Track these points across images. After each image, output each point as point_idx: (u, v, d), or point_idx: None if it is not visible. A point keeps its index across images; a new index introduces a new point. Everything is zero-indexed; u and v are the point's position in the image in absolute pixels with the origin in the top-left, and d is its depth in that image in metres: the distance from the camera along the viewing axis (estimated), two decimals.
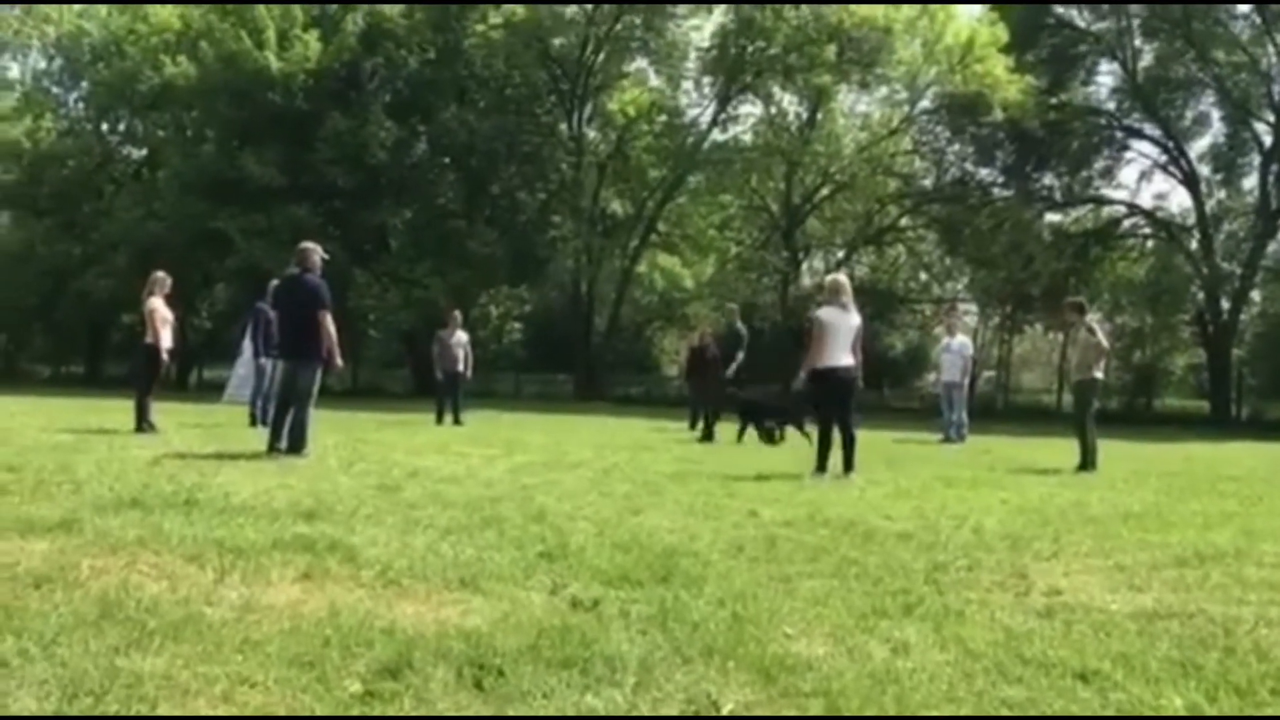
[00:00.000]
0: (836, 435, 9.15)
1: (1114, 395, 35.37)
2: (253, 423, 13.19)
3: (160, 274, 12.38)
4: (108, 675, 2.86)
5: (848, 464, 9.07)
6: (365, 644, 3.25)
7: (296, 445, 9.34)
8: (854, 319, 9.31)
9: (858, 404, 9.53)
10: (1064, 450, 11.97)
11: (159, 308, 12.11)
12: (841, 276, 10.02)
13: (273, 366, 13.07)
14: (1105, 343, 11.51)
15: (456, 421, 15.99)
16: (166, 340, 12.16)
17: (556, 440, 12.98)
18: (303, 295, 9.68)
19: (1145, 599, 4.35)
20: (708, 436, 14.08)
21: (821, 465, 9.02)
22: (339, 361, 9.91)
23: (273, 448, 9.41)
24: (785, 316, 34.87)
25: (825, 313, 9.29)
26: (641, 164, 34.82)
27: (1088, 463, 10.94)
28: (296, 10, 30.67)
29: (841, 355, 9.15)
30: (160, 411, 12.38)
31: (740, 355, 15.19)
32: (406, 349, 33.19)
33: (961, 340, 16.83)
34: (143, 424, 11.64)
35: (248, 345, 15.70)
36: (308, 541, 4.86)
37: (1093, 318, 12.39)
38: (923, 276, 40.12)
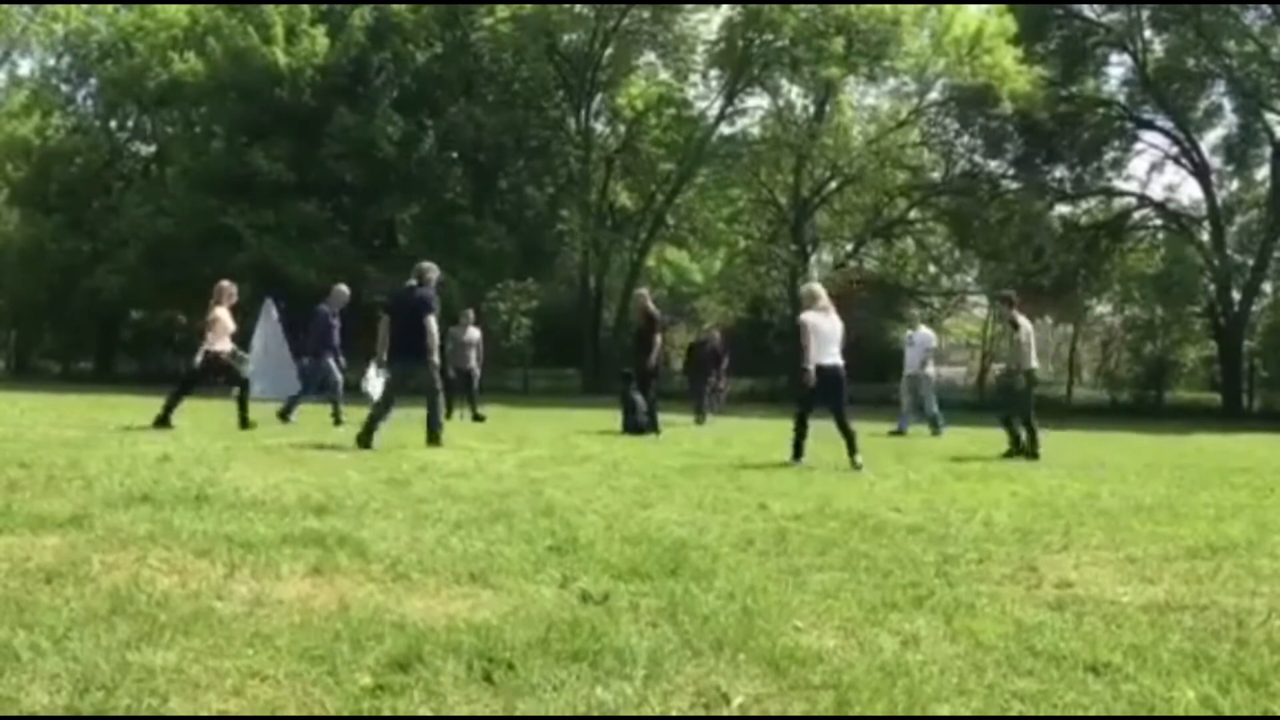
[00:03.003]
0: (812, 424, 9.64)
1: (1125, 387, 35.34)
2: (337, 422, 13.00)
3: (226, 283, 12.64)
4: (119, 669, 2.87)
5: (852, 457, 9.34)
6: (375, 638, 3.25)
7: (434, 436, 10.47)
8: (836, 321, 9.93)
9: (851, 396, 9.98)
10: (1075, 443, 11.94)
11: (223, 317, 12.29)
12: (815, 285, 10.75)
13: (328, 366, 13.88)
14: (1022, 336, 11.72)
15: (476, 417, 15.83)
16: (226, 347, 12.37)
17: (565, 435, 12.99)
18: (413, 305, 10.65)
19: (1157, 591, 4.33)
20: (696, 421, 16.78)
21: (797, 453, 9.53)
22: (435, 358, 10.76)
23: (365, 443, 9.98)
24: (794, 310, 34.81)
25: (809, 316, 9.84)
26: (650, 158, 34.79)
27: (1021, 451, 11.24)
28: (304, 6, 30.72)
29: (828, 354, 9.70)
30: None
31: (658, 341, 14.99)
32: None
33: (924, 333, 17.12)
34: (166, 418, 11.60)
35: (258, 340, 15.76)
36: (317, 536, 4.86)
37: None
38: (932, 269, 40.00)
